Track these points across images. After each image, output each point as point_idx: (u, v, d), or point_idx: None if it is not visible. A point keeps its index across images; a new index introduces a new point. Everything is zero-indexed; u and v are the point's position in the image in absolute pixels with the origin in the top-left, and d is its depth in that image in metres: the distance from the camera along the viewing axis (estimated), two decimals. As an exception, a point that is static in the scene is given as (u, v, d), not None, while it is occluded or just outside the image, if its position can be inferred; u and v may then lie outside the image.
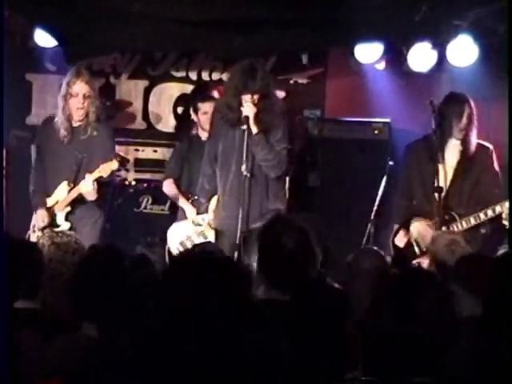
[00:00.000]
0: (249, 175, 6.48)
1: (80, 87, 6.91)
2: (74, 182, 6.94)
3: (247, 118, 6.48)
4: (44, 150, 7.17)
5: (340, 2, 7.18)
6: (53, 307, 4.20)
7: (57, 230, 6.73)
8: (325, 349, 3.36)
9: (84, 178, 6.87)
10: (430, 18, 7.07)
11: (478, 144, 6.95)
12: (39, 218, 7.05)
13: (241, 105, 6.51)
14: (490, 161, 6.94)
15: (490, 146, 6.98)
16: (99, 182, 6.84)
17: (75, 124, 7.03)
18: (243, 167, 6.45)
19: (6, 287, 3.62)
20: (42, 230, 6.95)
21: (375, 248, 5.10)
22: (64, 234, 5.05)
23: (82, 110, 6.95)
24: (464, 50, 7.53)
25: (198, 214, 7.13)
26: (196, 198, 7.23)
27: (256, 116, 6.51)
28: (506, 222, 6.60)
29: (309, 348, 2.93)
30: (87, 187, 6.81)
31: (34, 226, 7.13)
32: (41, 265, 4.30)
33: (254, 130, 6.52)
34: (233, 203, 6.60)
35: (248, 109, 6.49)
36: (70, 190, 6.95)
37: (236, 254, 6.25)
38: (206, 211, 7.02)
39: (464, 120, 6.83)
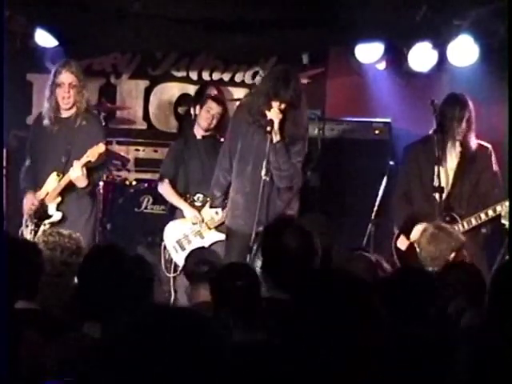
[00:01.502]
0: (268, 179, 6.46)
1: (65, 76, 6.93)
2: (63, 173, 6.94)
3: (272, 121, 6.43)
4: (35, 145, 7.18)
5: (340, 1, 7.19)
6: (43, 306, 4.20)
7: (48, 221, 6.83)
8: (328, 347, 3.36)
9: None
10: (430, 18, 7.07)
11: (478, 144, 6.94)
12: (28, 202, 7.04)
13: (269, 110, 6.47)
14: (489, 161, 6.93)
15: (489, 146, 6.97)
16: (88, 168, 6.84)
17: (64, 115, 7.04)
18: (263, 172, 6.41)
19: (6, 287, 3.62)
20: (35, 222, 6.96)
21: (364, 253, 5.13)
22: (57, 233, 5.05)
23: (67, 99, 6.97)
24: (464, 50, 7.53)
25: (211, 207, 7.12)
26: (196, 198, 7.23)
27: (281, 124, 6.47)
28: (504, 222, 6.60)
29: (312, 346, 2.92)
30: (76, 173, 6.82)
31: (26, 221, 7.12)
32: (40, 265, 4.29)
33: (276, 137, 6.48)
34: (246, 204, 6.58)
35: (274, 113, 6.43)
36: (59, 181, 6.95)
37: (248, 256, 6.23)
38: (220, 205, 7.01)
39: (463, 124, 6.82)
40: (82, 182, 6.88)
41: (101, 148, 6.82)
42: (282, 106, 6.42)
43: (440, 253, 5.58)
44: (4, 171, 8.01)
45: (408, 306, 3.79)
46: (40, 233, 6.42)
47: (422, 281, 3.98)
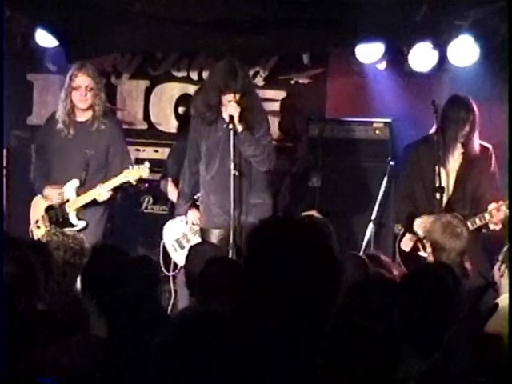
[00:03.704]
0: (237, 173, 6.55)
1: (82, 79, 6.93)
2: (85, 181, 6.93)
3: (232, 117, 6.55)
4: (47, 146, 7.16)
5: (341, 1, 7.18)
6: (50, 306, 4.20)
7: (69, 229, 6.74)
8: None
9: (93, 175, 6.91)
10: (430, 18, 7.06)
11: (480, 146, 6.95)
12: (53, 195, 6.94)
13: (220, 104, 6.54)
14: (489, 162, 6.94)
15: (490, 147, 6.98)
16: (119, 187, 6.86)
17: (80, 118, 7.03)
18: (231, 166, 6.50)
19: (6, 287, 3.62)
20: (52, 227, 6.93)
21: (357, 253, 5.19)
22: (61, 233, 5.05)
23: (85, 102, 6.95)
24: (465, 50, 7.51)
25: (176, 215, 7.19)
26: (196, 197, 7.24)
27: (240, 115, 6.56)
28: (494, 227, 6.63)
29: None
30: (103, 197, 6.83)
31: (37, 222, 7.07)
32: (47, 265, 4.29)
33: (240, 128, 6.59)
34: (219, 201, 6.67)
35: (232, 108, 6.55)
36: (79, 188, 6.92)
37: (231, 252, 6.31)
38: (185, 214, 7.09)
39: (467, 126, 6.82)
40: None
41: (145, 172, 6.81)
42: (237, 96, 6.54)
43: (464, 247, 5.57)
44: (4, 171, 8.01)
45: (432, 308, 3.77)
46: (44, 232, 6.41)
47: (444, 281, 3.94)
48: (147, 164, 6.95)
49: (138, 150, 9.00)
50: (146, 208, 8.41)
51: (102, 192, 6.81)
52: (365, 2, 7.04)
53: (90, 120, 7.00)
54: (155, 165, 8.72)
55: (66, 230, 5.70)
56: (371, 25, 7.32)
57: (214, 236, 6.71)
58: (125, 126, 8.95)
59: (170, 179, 7.77)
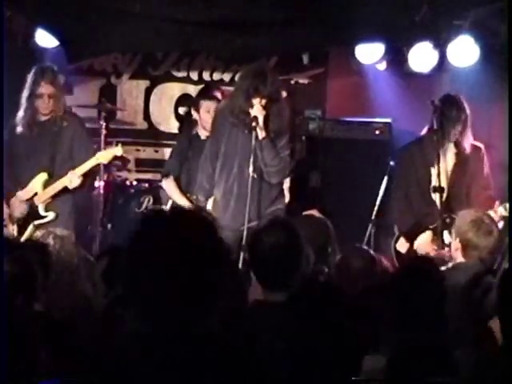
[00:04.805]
0: (256, 176, 6.48)
1: (45, 88, 6.91)
2: (52, 174, 6.93)
3: (256, 118, 6.46)
4: (11, 152, 7.11)
5: (341, 2, 7.19)
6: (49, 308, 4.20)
7: (38, 222, 6.82)
8: (322, 347, 3.37)
9: (60, 169, 6.90)
10: (430, 18, 7.07)
11: (472, 145, 6.95)
12: (16, 209, 6.96)
13: (251, 107, 6.51)
14: (481, 162, 6.94)
15: (482, 147, 6.98)
16: (91, 171, 6.87)
17: (42, 118, 7.03)
18: (251, 169, 6.43)
19: (5, 287, 3.62)
20: (20, 224, 6.92)
21: (363, 247, 5.15)
22: (58, 237, 5.05)
23: (47, 109, 6.96)
24: (465, 50, 7.53)
25: None
26: (195, 196, 7.24)
27: (264, 120, 6.50)
28: None
29: (305, 347, 2.94)
30: (74, 183, 6.82)
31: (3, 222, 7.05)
32: (46, 266, 4.29)
33: (262, 134, 6.49)
34: (234, 204, 6.61)
35: (257, 110, 6.46)
36: (47, 181, 6.92)
37: (242, 256, 6.26)
38: (204, 210, 7.04)
39: (459, 125, 6.82)
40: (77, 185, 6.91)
41: (118, 151, 6.82)
42: (263, 101, 6.46)
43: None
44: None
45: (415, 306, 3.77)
46: (39, 234, 6.38)
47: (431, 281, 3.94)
48: (120, 144, 6.95)
49: (138, 150, 9.00)
50: (146, 208, 8.41)
51: (73, 178, 6.80)
52: (365, 1, 7.04)
53: (52, 119, 7.00)
54: (155, 165, 8.76)
55: (63, 232, 5.67)
56: (371, 25, 7.33)
57: (227, 239, 6.62)
58: (125, 126, 8.99)
59: (171, 177, 7.77)
